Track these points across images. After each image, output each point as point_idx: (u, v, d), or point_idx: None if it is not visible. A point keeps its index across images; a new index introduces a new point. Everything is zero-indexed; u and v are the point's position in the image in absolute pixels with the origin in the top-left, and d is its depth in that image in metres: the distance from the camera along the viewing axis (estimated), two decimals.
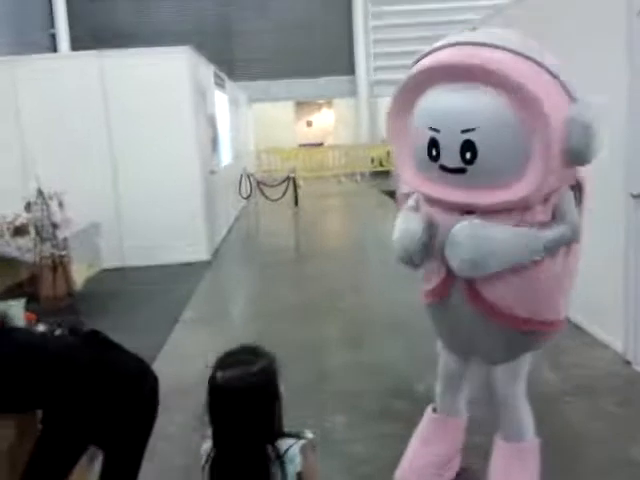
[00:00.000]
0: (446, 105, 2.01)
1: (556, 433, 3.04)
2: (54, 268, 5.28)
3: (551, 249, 2.05)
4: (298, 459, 1.56)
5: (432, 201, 2.18)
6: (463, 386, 2.62)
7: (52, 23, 17.82)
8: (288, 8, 18.45)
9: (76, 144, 7.10)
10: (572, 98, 1.91)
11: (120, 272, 7.18)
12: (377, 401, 3.41)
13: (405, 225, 2.23)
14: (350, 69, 19.28)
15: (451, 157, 2.00)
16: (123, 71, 7.13)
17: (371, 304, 5.22)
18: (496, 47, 1.93)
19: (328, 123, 21.56)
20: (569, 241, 2.10)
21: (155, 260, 7.32)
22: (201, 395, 3.81)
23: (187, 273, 7.00)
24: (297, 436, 1.61)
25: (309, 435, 1.63)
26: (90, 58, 7.27)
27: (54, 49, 17.40)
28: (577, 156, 1.92)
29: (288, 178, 12.35)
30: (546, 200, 2.05)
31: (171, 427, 3.37)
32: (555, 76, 1.90)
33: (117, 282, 6.74)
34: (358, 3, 18.77)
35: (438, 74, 2.01)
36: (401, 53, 15.01)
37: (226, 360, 1.62)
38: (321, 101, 21.38)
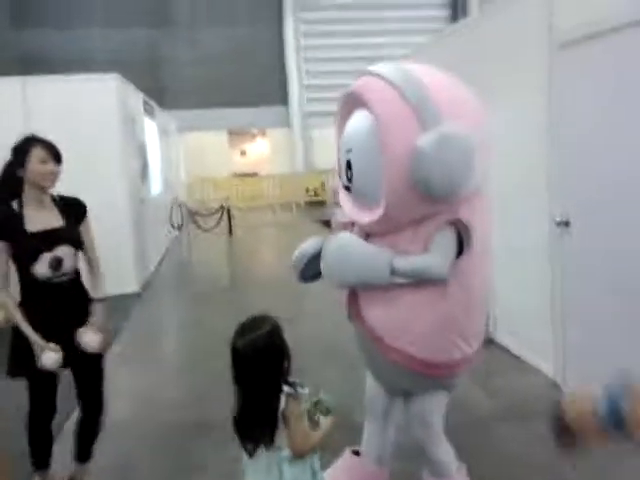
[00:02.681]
0: (346, 128, 2.20)
1: (491, 458, 3.05)
2: None
3: (403, 276, 2.00)
4: (282, 402, 1.88)
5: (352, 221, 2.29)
6: (388, 428, 2.52)
7: None
8: (219, 37, 18.51)
9: None
10: (424, 128, 1.88)
11: None
12: None
13: (305, 243, 2.40)
14: (284, 99, 19.46)
15: (343, 175, 2.20)
16: (48, 98, 6.89)
17: (306, 333, 5.16)
18: (377, 75, 2.04)
19: (262, 152, 21.58)
20: (427, 276, 2.01)
21: None
22: (129, 433, 3.67)
23: (115, 306, 6.71)
24: (291, 385, 1.92)
25: (299, 388, 1.91)
26: (13, 84, 6.98)
27: None
28: (423, 186, 1.89)
29: (222, 207, 12.22)
30: (415, 230, 2.04)
31: (96, 468, 3.19)
32: (413, 104, 1.90)
33: None
34: (289, 34, 19.04)
35: (350, 100, 2.17)
36: (334, 85, 15.27)
37: (241, 329, 1.92)
38: (255, 130, 21.42)
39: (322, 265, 2.13)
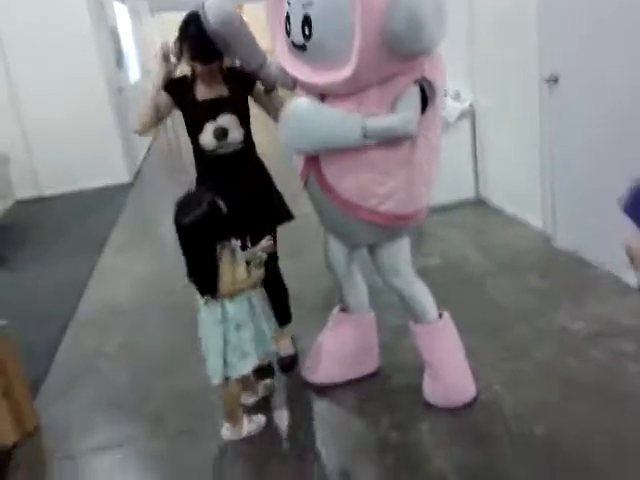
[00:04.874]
0: None
1: (482, 309, 3.22)
2: None
3: (375, 137, 2.02)
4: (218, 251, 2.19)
5: (299, 83, 2.22)
6: (357, 283, 2.65)
7: None
8: None
9: None
10: None
11: (37, 202, 6.89)
12: (320, 298, 3.49)
13: None
14: None
15: (296, 33, 2.04)
16: None
17: (301, 212, 5.19)
18: None
19: None
20: (399, 134, 2.03)
21: (73, 187, 7.04)
22: (136, 315, 3.82)
23: (109, 197, 6.78)
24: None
25: (232, 242, 2.24)
26: None
27: None
28: (398, 43, 1.84)
29: None
30: (383, 91, 2.01)
31: (110, 347, 3.37)
32: None
33: (35, 213, 6.47)
34: None
35: None
36: None
37: (181, 206, 2.18)
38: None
39: (282, 130, 2.10)
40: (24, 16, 6.56)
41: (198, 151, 2.57)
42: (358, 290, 2.66)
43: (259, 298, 2.43)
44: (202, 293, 2.27)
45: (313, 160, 2.20)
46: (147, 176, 7.86)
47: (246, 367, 2.36)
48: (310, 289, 3.56)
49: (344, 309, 2.70)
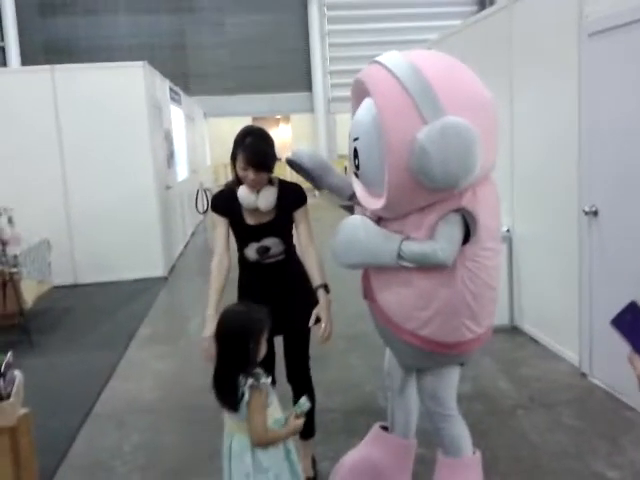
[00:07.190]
0: (355, 115, 2.23)
1: (514, 445, 3.07)
2: (4, 285, 5.09)
3: (409, 260, 2.05)
4: (247, 394, 1.97)
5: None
6: (410, 403, 2.56)
7: (1, 37, 17.40)
8: (244, 23, 18.49)
9: (27, 159, 6.95)
10: (424, 120, 1.89)
11: (72, 289, 7.01)
12: (343, 418, 3.40)
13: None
14: (307, 85, 19.41)
15: (352, 162, 2.23)
16: (76, 86, 7.03)
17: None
18: (381, 65, 2.04)
19: (286, 139, 21.59)
20: (432, 261, 2.02)
21: (109, 277, 7.18)
22: (155, 415, 3.75)
23: (143, 289, 6.87)
24: (255, 376, 2.01)
25: (262, 379, 2.02)
26: (43, 73, 7.12)
27: (3, 63, 17.00)
28: (423, 178, 1.91)
29: None
30: (421, 217, 2.06)
31: (125, 446, 3.29)
32: (413, 96, 1.90)
33: (69, 299, 6.57)
34: (314, 20, 18.94)
35: (359, 86, 2.18)
36: (358, 71, 15.09)
37: (233, 305, 2.20)
38: (278, 116, 21.41)
39: (333, 243, 2.19)
40: (85, 114, 7.00)
41: (241, 257, 2.72)
42: (409, 411, 2.57)
43: (291, 440, 2.19)
44: (224, 404, 2.06)
45: (366, 273, 2.30)
46: (181, 272, 7.98)
47: None
48: (337, 405, 3.47)
49: (386, 427, 2.61)
